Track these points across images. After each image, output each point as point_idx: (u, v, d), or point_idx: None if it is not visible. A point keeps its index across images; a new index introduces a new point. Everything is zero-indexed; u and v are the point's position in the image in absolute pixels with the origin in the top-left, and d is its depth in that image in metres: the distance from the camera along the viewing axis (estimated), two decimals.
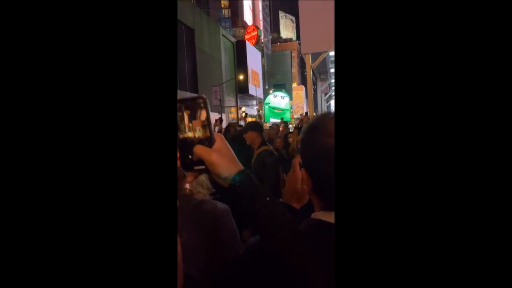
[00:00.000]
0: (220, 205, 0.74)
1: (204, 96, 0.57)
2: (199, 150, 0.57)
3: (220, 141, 0.59)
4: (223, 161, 0.58)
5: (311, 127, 0.68)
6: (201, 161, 0.57)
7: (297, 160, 0.79)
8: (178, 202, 0.51)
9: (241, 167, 0.60)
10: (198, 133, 0.57)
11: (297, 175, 0.79)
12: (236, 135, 3.67)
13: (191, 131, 0.56)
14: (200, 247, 0.69)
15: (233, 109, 22.43)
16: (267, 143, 3.12)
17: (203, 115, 0.56)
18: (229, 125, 4.87)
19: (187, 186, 0.74)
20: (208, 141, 0.57)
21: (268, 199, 0.62)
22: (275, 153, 2.96)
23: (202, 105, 0.56)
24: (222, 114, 17.52)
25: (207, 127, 0.57)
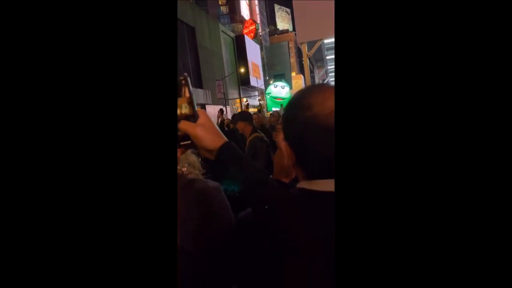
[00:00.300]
0: (211, 182, 0.75)
1: (185, 74, 0.57)
2: (184, 125, 0.57)
3: (204, 117, 0.59)
4: (207, 134, 0.59)
5: (290, 104, 0.68)
6: (186, 137, 0.57)
7: (281, 137, 0.80)
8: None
9: (225, 139, 0.61)
10: (184, 110, 0.57)
11: (283, 152, 0.80)
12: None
13: (177, 108, 0.57)
14: (193, 222, 0.70)
15: (237, 101, 22.32)
16: (258, 131, 3.22)
17: (186, 92, 0.57)
18: (234, 115, 4.91)
19: (184, 168, 0.75)
20: (192, 117, 0.57)
21: (251, 165, 0.63)
22: (266, 139, 3.04)
23: (183, 82, 0.56)
24: (227, 106, 17.45)
25: (191, 104, 0.57)
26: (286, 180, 0.87)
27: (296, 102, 0.65)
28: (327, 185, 0.59)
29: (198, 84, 16.24)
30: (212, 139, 0.59)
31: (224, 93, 17.98)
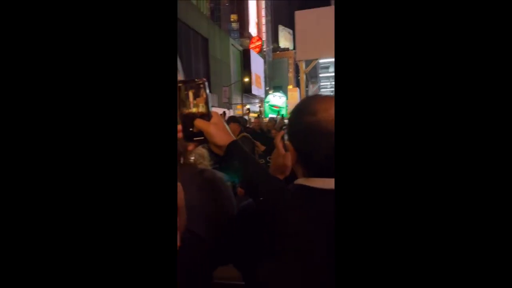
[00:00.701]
0: (219, 173, 0.75)
1: (204, 79, 0.58)
2: (199, 123, 0.57)
3: (217, 117, 0.60)
4: (219, 132, 0.59)
5: (296, 109, 0.68)
6: (200, 133, 0.58)
7: (278, 138, 0.80)
8: (183, 171, 0.48)
9: (233, 138, 0.61)
10: (201, 109, 0.58)
11: (280, 152, 0.80)
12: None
13: (195, 107, 0.57)
14: (202, 208, 0.70)
15: (239, 106, 22.29)
16: (244, 132, 3.47)
17: (204, 94, 0.57)
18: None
19: (192, 158, 0.75)
20: (207, 116, 0.58)
21: (254, 162, 0.63)
22: (251, 137, 3.25)
23: (202, 86, 0.57)
24: (230, 110, 17.45)
25: (207, 104, 0.58)
26: (280, 177, 0.86)
27: (303, 108, 0.65)
28: (324, 183, 0.59)
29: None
30: (222, 137, 0.60)
31: (228, 98, 17.99)
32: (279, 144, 0.79)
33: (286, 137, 0.79)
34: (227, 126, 0.62)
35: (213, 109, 0.61)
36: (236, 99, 22.62)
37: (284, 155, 0.78)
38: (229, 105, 18.10)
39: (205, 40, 17.64)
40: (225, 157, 0.61)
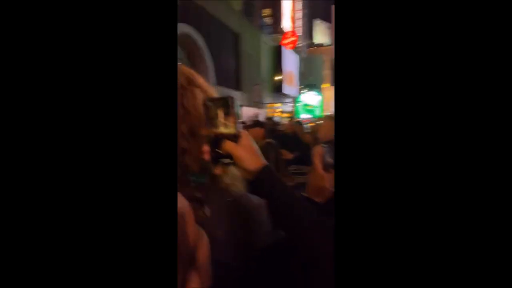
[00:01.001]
0: (256, 200, 0.71)
1: (232, 96, 0.55)
2: (228, 145, 0.55)
3: (246, 138, 0.57)
4: (249, 156, 0.56)
5: None
6: (228, 155, 0.56)
7: (317, 156, 0.72)
8: (215, 197, 0.47)
9: (264, 162, 0.58)
10: (230, 129, 0.56)
11: (318, 172, 0.72)
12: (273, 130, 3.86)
13: (223, 126, 0.56)
14: (234, 238, 0.67)
15: (270, 105, 22.39)
16: (274, 135, 3.50)
17: (232, 112, 0.56)
18: (267, 119, 4.91)
19: (225, 179, 0.71)
20: (235, 137, 0.56)
21: (287, 192, 0.59)
22: (274, 142, 3.15)
23: (230, 103, 0.55)
24: (261, 109, 17.55)
25: (235, 123, 0.56)
26: (318, 200, 0.79)
27: None
28: None
29: (237, 86, 16.41)
30: (253, 160, 0.57)
31: (260, 97, 18.10)
32: (317, 163, 0.72)
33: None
34: (256, 147, 0.58)
35: (244, 109, 0.58)
36: (268, 98, 22.72)
37: (322, 175, 0.71)
38: (260, 105, 18.19)
39: (236, 36, 17.90)
40: (255, 183, 0.57)
